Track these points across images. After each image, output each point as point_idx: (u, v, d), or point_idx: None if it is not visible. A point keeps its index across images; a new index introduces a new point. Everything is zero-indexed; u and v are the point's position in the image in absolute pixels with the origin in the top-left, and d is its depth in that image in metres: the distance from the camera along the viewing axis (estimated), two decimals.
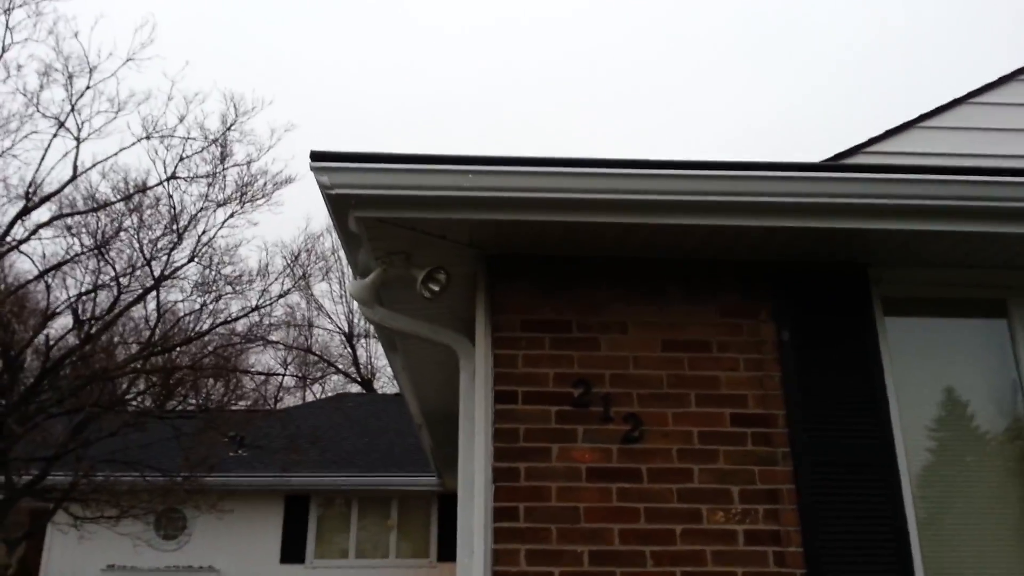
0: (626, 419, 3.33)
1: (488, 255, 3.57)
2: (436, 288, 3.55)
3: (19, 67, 13.35)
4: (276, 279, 14.90)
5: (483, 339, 3.58)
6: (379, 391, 27.31)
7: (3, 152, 12.17)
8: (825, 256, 3.56)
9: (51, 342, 12.30)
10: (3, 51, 12.26)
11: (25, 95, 12.51)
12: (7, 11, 12.23)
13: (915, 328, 3.79)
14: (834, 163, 3.68)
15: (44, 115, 12.51)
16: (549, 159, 3.14)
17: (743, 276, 3.55)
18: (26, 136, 12.41)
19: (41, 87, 12.61)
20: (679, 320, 3.48)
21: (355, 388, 28.60)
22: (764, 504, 3.26)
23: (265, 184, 13.72)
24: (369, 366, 29.45)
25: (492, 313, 3.52)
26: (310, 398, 26.54)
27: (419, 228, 3.34)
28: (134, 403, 13.11)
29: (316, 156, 3.12)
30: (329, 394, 26.22)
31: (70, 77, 12.57)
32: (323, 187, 3.13)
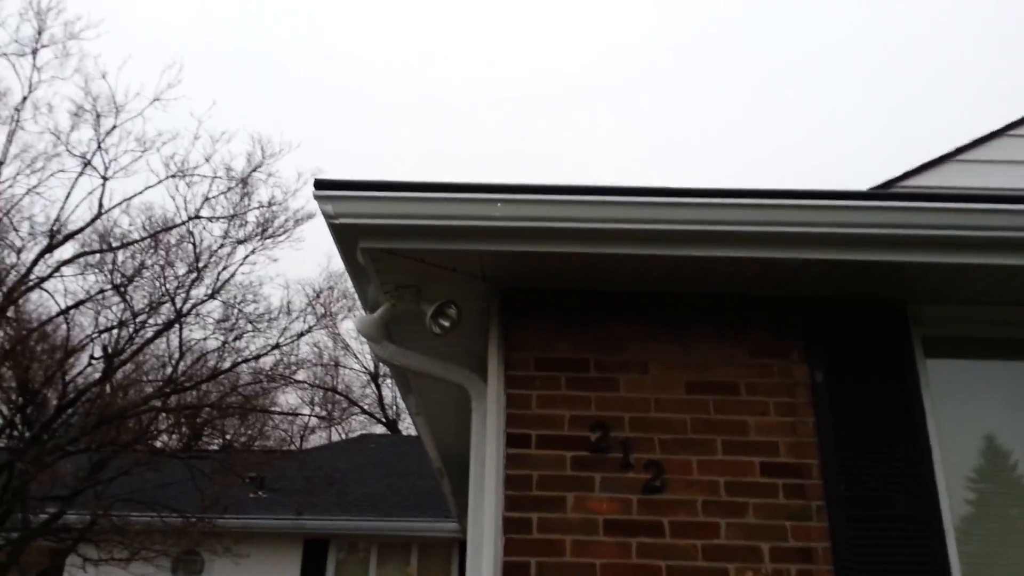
0: (647, 467, 3.10)
1: (501, 289, 3.40)
2: (447, 323, 3.38)
3: (50, 107, 13.57)
4: (297, 317, 14.84)
5: (495, 378, 3.38)
6: (404, 432, 27.05)
7: (29, 190, 12.32)
8: (861, 292, 3.33)
9: (70, 380, 12.28)
10: (31, 90, 12.49)
11: (54, 134, 12.71)
12: (34, 51, 12.48)
13: (958, 371, 3.54)
14: (869, 192, 3.48)
15: (72, 154, 12.68)
16: (566, 187, 2.98)
17: (773, 313, 3.33)
18: (52, 175, 12.56)
19: (72, 128, 12.82)
20: (704, 360, 3.26)
21: (380, 429, 28.37)
22: (797, 564, 2.99)
23: (286, 221, 13.74)
24: (394, 406, 29.24)
25: (505, 350, 3.33)
26: (335, 438, 26.35)
27: (429, 260, 3.18)
28: (156, 442, 13.01)
29: (320, 184, 2.99)
30: (354, 434, 26.01)
31: (98, 116, 12.74)
32: (328, 217, 3.00)
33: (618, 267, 3.20)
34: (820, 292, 3.32)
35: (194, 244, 12.92)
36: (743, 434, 3.16)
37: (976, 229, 3.01)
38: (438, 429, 5.97)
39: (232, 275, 13.34)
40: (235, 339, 13.53)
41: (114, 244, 12.51)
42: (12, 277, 11.82)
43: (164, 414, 12.76)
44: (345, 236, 3.09)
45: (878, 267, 3.13)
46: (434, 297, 3.40)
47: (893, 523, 3.11)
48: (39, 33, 12.60)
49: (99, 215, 12.38)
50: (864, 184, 4.85)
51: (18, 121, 12.38)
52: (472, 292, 3.43)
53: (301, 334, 14.68)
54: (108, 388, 11.90)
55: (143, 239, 12.70)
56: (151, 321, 12.57)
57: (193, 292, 12.82)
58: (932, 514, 3.12)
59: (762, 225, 2.97)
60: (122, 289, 12.29)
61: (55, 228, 12.00)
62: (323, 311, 16.26)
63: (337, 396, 28.47)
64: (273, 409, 16.02)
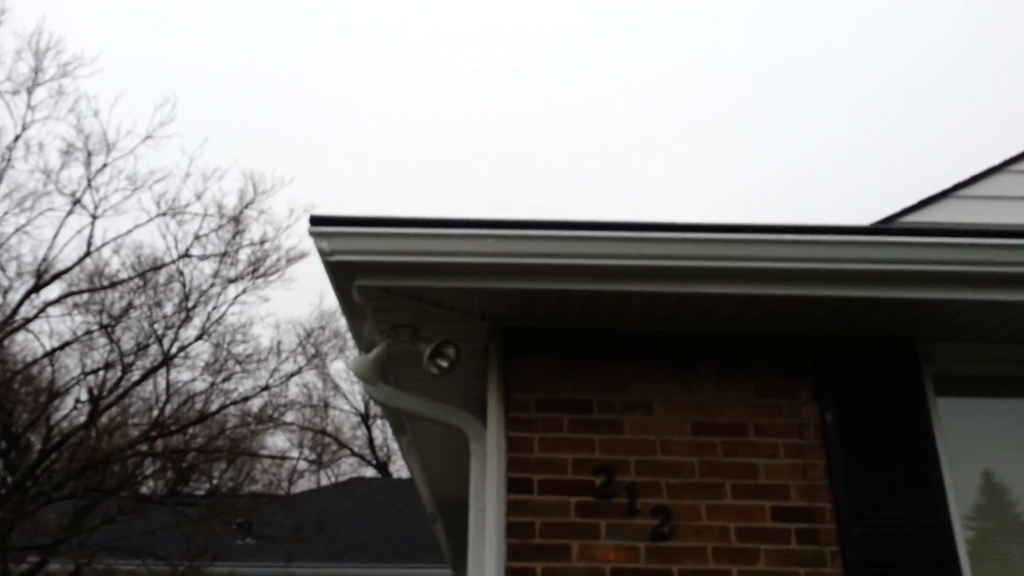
0: (654, 512, 2.98)
1: (501, 328, 3.30)
2: (445, 364, 3.28)
3: (41, 146, 13.55)
4: (287, 357, 14.68)
5: (495, 420, 3.27)
6: (394, 474, 26.64)
7: (17, 229, 12.22)
8: (870, 330, 3.26)
9: (54, 423, 12.03)
10: (24, 129, 12.46)
11: (44, 173, 12.66)
12: (30, 90, 12.49)
13: (970, 409, 3.46)
14: (878, 227, 3.42)
15: (61, 192, 12.62)
16: (567, 222, 2.90)
17: (780, 352, 3.24)
18: (41, 213, 12.50)
19: (62, 166, 12.78)
20: (711, 400, 3.16)
21: (370, 471, 27.94)
22: None
23: (278, 260, 13.67)
24: (385, 448, 28.85)
25: (505, 391, 3.22)
26: (324, 482, 25.91)
27: (426, 298, 3.09)
28: (141, 487, 12.72)
29: (316, 220, 2.91)
30: (343, 478, 25.60)
31: (89, 155, 12.73)
32: (323, 254, 2.91)
33: (621, 305, 3.11)
34: (828, 330, 3.24)
35: (184, 283, 12.83)
36: (753, 477, 3.05)
37: (983, 264, 2.95)
38: (433, 472, 5.82)
39: (222, 315, 13.22)
40: (223, 381, 13.34)
41: (102, 284, 12.38)
42: None
43: (150, 458, 12.49)
44: (341, 274, 3.00)
45: (886, 304, 3.06)
46: (431, 336, 3.30)
47: (909, 568, 2.99)
48: (35, 72, 12.63)
49: (87, 254, 12.29)
50: (859, 221, 4.82)
51: (9, 160, 12.36)
52: (471, 331, 3.34)
53: (291, 375, 14.52)
54: (93, 432, 11.65)
55: (132, 278, 12.60)
56: (138, 363, 12.38)
57: (182, 333, 12.67)
58: (948, 557, 3.01)
59: (768, 261, 2.90)
60: (109, 329, 12.12)
61: (42, 268, 11.89)
62: (314, 351, 16.08)
63: (326, 438, 28.08)
64: (261, 452, 15.74)
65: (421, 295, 3.07)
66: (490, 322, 3.29)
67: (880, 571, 2.97)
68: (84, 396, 12.14)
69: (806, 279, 2.92)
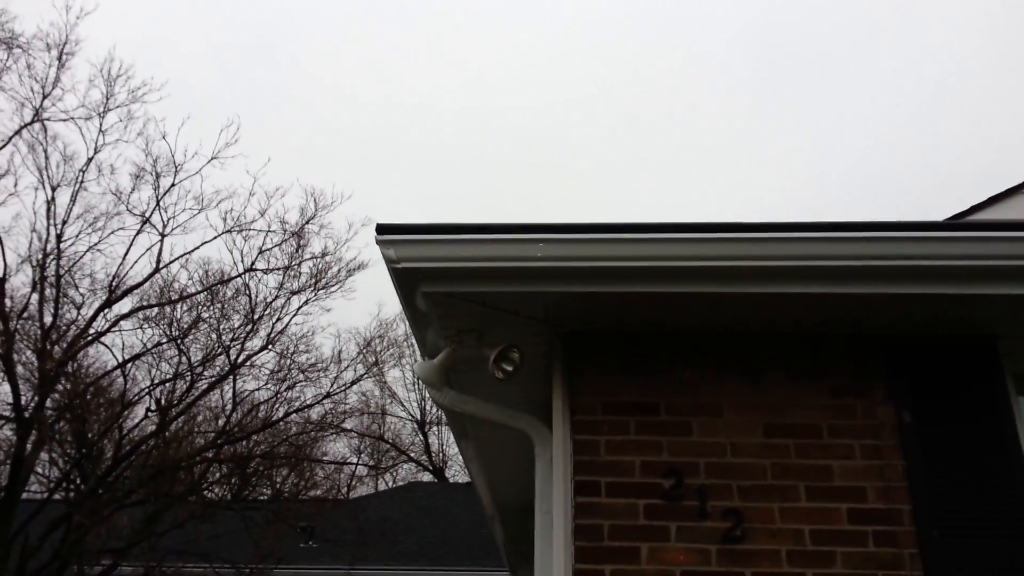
0: (725, 515, 2.94)
1: (565, 332, 3.30)
2: (509, 368, 3.29)
3: (112, 168, 14.05)
4: (348, 366, 14.92)
5: (561, 423, 3.27)
6: (450, 479, 26.80)
7: (90, 248, 12.70)
8: (948, 327, 3.16)
9: (126, 433, 12.44)
10: (96, 152, 12.96)
11: (115, 194, 13.14)
12: (101, 115, 12.99)
13: None
14: (953, 223, 3.32)
15: (132, 212, 13.08)
16: (631, 224, 2.89)
17: (853, 351, 3.17)
18: (112, 232, 12.98)
19: (132, 187, 13.24)
20: (782, 401, 3.10)
21: (427, 476, 28.15)
22: None
23: (339, 272, 13.91)
24: (441, 454, 29.05)
25: (571, 395, 3.22)
26: (382, 487, 26.21)
27: (490, 303, 3.11)
28: (208, 493, 13.06)
29: (382, 229, 2.96)
30: (401, 483, 25.85)
31: (157, 176, 13.18)
32: (389, 261, 2.95)
33: (687, 306, 3.08)
34: (903, 328, 3.16)
35: (250, 296, 13.15)
36: (827, 479, 2.98)
37: None
38: (494, 476, 5.83)
39: (286, 326, 13.51)
40: (287, 389, 13.62)
41: (172, 298, 12.78)
42: (72, 332, 12.10)
43: (217, 464, 12.82)
44: (406, 280, 3.04)
45: (964, 301, 2.96)
46: (496, 341, 3.32)
47: (992, 571, 2.89)
48: (106, 98, 13.13)
49: (157, 270, 12.72)
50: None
51: (82, 182, 12.86)
52: (535, 335, 3.34)
53: (352, 383, 14.74)
54: (163, 440, 12.02)
55: (200, 292, 12.97)
56: (206, 373, 12.74)
57: (248, 343, 12.99)
58: None
59: (839, 259, 2.83)
60: (179, 342, 12.50)
61: (114, 284, 12.33)
62: (373, 360, 16.30)
63: (384, 444, 28.41)
64: (324, 458, 16.01)
65: (485, 300, 3.09)
66: (554, 326, 3.29)
67: (961, 574, 2.88)
68: (154, 406, 12.53)
69: (881, 277, 2.84)
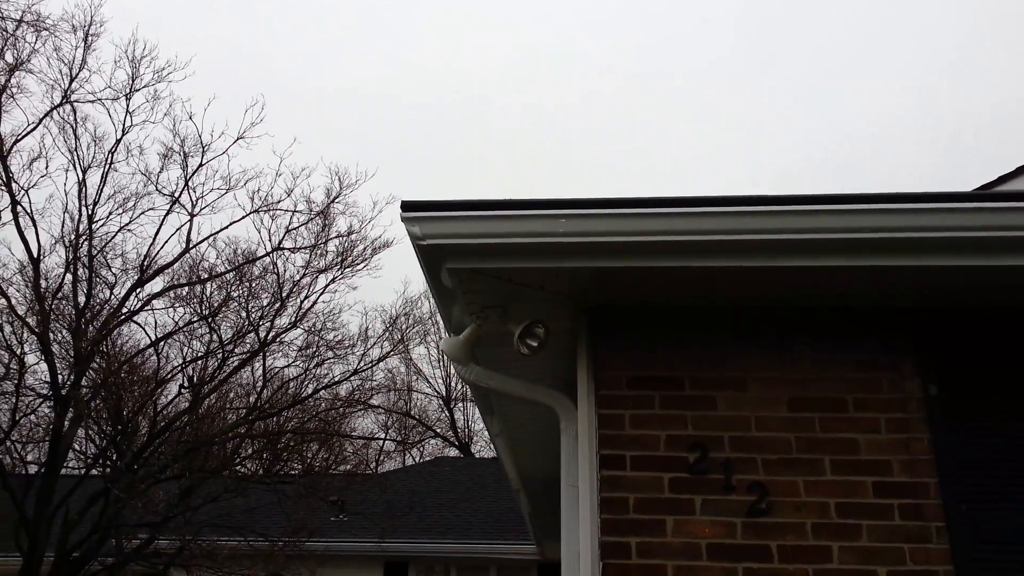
0: (751, 488, 2.96)
1: (590, 307, 3.32)
2: (534, 344, 3.31)
3: (140, 149, 14.22)
4: (375, 343, 15.06)
5: (586, 398, 3.30)
6: (476, 455, 27.04)
7: (121, 228, 12.91)
8: (975, 300, 3.13)
9: (160, 409, 12.71)
10: (124, 133, 13.12)
11: (144, 175, 13.31)
12: (128, 96, 13.13)
13: None
14: (981, 192, 3.27)
15: (161, 193, 13.25)
16: (653, 199, 2.88)
17: (880, 324, 3.15)
18: (143, 213, 13.17)
19: (161, 168, 13.40)
20: (807, 375, 3.10)
21: (453, 452, 28.44)
22: None
23: (364, 249, 14.00)
24: (466, 430, 29.31)
25: (595, 370, 3.24)
26: (409, 462, 26.53)
27: (515, 279, 3.13)
28: (240, 468, 13.32)
29: (407, 206, 2.98)
30: (427, 458, 26.15)
31: (185, 156, 13.32)
32: (414, 238, 2.98)
33: (711, 281, 3.08)
34: (930, 301, 3.13)
35: (277, 275, 13.31)
36: (853, 453, 2.98)
37: None
38: (519, 450, 5.89)
39: (313, 304, 13.65)
40: (315, 366, 13.80)
41: (202, 277, 12.96)
42: (105, 311, 12.34)
43: (248, 440, 13.05)
44: (432, 257, 3.07)
45: (991, 272, 2.92)
46: (520, 317, 3.34)
47: (1020, 545, 2.88)
48: (132, 79, 13.26)
49: (187, 250, 12.89)
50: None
51: (111, 163, 13.03)
52: (559, 311, 3.36)
53: (379, 359, 14.88)
54: (196, 417, 12.26)
55: (229, 271, 13.14)
56: (236, 351, 12.94)
57: (277, 321, 13.16)
58: None
59: (866, 232, 2.80)
60: (209, 320, 12.70)
61: (145, 263, 12.53)
62: (399, 337, 16.43)
63: (411, 420, 28.71)
64: (352, 433, 16.24)
65: (510, 276, 3.11)
66: (578, 301, 3.31)
67: (989, 547, 2.88)
68: (187, 383, 12.78)
69: (907, 249, 2.81)
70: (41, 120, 12.86)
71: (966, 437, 3.00)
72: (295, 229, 13.45)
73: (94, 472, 12.63)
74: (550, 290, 3.21)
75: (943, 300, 3.13)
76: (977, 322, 3.15)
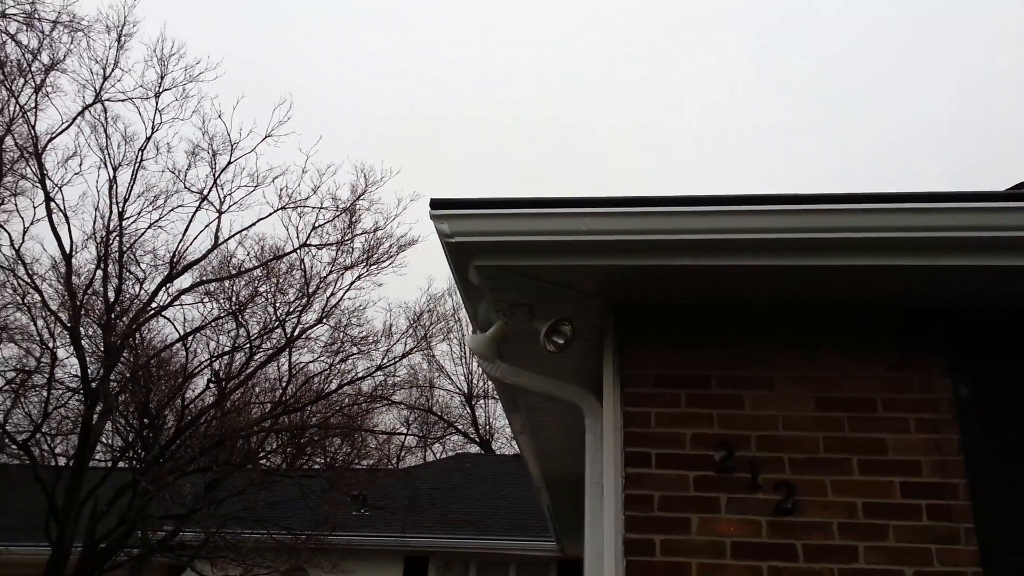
0: (777, 487, 2.96)
1: (616, 305, 3.33)
2: (561, 341, 3.33)
3: (169, 147, 14.39)
4: (399, 339, 15.13)
5: (612, 396, 3.32)
6: (497, 451, 27.11)
7: (151, 225, 13.08)
8: (1007, 300, 3.10)
9: (187, 403, 12.87)
10: (153, 131, 13.30)
11: (173, 172, 13.48)
12: (157, 95, 13.30)
13: None
14: (1013, 192, 3.23)
15: (190, 190, 13.41)
16: (683, 197, 2.89)
17: (910, 324, 3.13)
18: (172, 210, 13.32)
19: (189, 165, 13.56)
20: (835, 375, 3.09)
21: (474, 449, 28.53)
22: None
23: (390, 247, 14.07)
24: (487, 426, 29.39)
25: (621, 367, 3.25)
26: (430, 458, 26.67)
27: (542, 277, 3.15)
28: (264, 462, 13.46)
29: (436, 204, 3.01)
30: (448, 454, 26.26)
31: (213, 154, 13.46)
32: (443, 235, 3.01)
33: (737, 280, 3.08)
34: (961, 301, 3.11)
35: (304, 271, 13.41)
36: (881, 453, 2.97)
37: None
38: (543, 447, 5.92)
39: (339, 300, 13.75)
40: (340, 362, 13.90)
41: (230, 273, 13.10)
42: (135, 306, 12.53)
43: (273, 434, 13.19)
44: (459, 254, 3.10)
45: (1020, 272, 2.90)
46: (547, 315, 3.36)
47: None
48: (161, 78, 13.43)
49: (215, 246, 13.02)
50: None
51: (141, 161, 13.21)
52: (586, 309, 3.38)
53: (402, 356, 14.96)
54: (222, 411, 12.40)
55: (256, 267, 13.26)
56: (263, 346, 13.07)
57: (303, 317, 13.28)
58: None
59: (896, 231, 2.78)
60: (237, 315, 12.84)
61: (175, 260, 12.68)
62: (423, 333, 16.51)
63: (433, 416, 28.85)
64: (376, 429, 16.34)
65: (537, 274, 3.13)
66: (605, 299, 3.32)
67: (1019, 549, 2.86)
68: (214, 378, 12.93)
69: (938, 248, 2.79)
70: (74, 119, 13.07)
71: (997, 438, 2.97)
72: (321, 226, 13.56)
73: (122, 465, 12.82)
74: (577, 288, 3.22)
75: (974, 299, 3.11)
76: (1009, 322, 3.12)
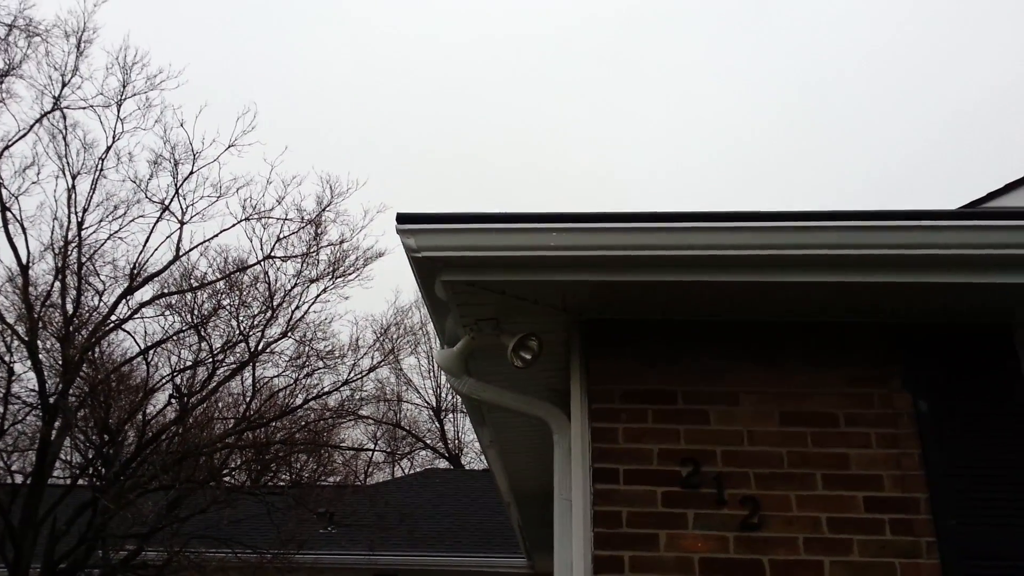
0: (743, 502, 2.97)
1: (583, 320, 3.34)
2: (528, 356, 3.32)
3: (131, 156, 14.21)
4: (366, 353, 15.01)
5: (579, 411, 3.31)
6: (466, 466, 26.97)
7: (111, 236, 12.85)
8: (964, 316, 3.16)
9: (148, 419, 12.61)
10: (114, 140, 13.09)
11: (134, 182, 13.26)
12: (119, 103, 13.10)
13: None
14: (966, 211, 3.30)
15: (151, 200, 13.20)
16: (643, 214, 2.91)
17: (871, 340, 3.18)
18: (132, 220, 13.10)
19: (151, 175, 13.35)
20: (799, 390, 3.12)
21: (443, 463, 28.35)
22: None
23: (356, 259, 13.97)
24: (457, 441, 29.23)
25: (589, 383, 3.25)
26: (399, 473, 26.43)
27: (509, 292, 3.14)
28: (228, 479, 13.22)
29: (402, 218, 2.99)
30: (417, 469, 26.06)
31: (175, 164, 13.27)
32: (409, 250, 2.99)
33: (702, 295, 3.10)
34: (920, 317, 3.17)
35: (268, 284, 13.25)
36: (844, 467, 3.00)
37: None
38: (511, 462, 5.89)
39: (304, 313, 13.60)
40: (306, 376, 13.74)
41: (192, 285, 12.89)
42: (94, 319, 12.27)
43: (237, 450, 12.97)
44: (426, 269, 3.08)
45: (980, 289, 2.96)
46: (514, 330, 3.35)
47: (1010, 560, 2.90)
48: (123, 86, 13.24)
49: (177, 257, 12.81)
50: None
51: (101, 170, 12.99)
52: (553, 324, 3.38)
53: (369, 370, 14.83)
54: (184, 427, 12.18)
55: (219, 279, 13.08)
56: (226, 360, 12.86)
57: (267, 331, 13.10)
58: None
59: (856, 248, 2.84)
60: (200, 329, 12.62)
61: (135, 271, 12.45)
62: (390, 347, 16.39)
63: (401, 431, 28.63)
64: (342, 444, 16.17)
65: (504, 288, 3.12)
66: (572, 314, 3.33)
67: (979, 562, 2.90)
68: (176, 393, 12.69)
69: (897, 266, 2.85)
70: (32, 127, 12.80)
71: (956, 452, 3.02)
72: (286, 237, 13.42)
73: (81, 482, 12.51)
74: (544, 303, 3.22)
75: (933, 316, 3.16)
76: (967, 338, 3.18)
